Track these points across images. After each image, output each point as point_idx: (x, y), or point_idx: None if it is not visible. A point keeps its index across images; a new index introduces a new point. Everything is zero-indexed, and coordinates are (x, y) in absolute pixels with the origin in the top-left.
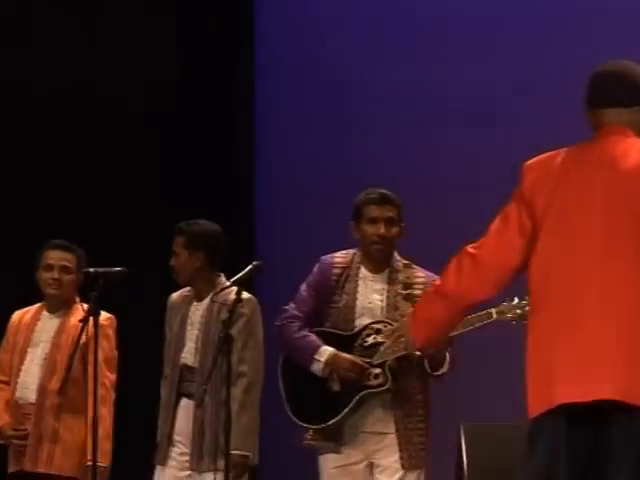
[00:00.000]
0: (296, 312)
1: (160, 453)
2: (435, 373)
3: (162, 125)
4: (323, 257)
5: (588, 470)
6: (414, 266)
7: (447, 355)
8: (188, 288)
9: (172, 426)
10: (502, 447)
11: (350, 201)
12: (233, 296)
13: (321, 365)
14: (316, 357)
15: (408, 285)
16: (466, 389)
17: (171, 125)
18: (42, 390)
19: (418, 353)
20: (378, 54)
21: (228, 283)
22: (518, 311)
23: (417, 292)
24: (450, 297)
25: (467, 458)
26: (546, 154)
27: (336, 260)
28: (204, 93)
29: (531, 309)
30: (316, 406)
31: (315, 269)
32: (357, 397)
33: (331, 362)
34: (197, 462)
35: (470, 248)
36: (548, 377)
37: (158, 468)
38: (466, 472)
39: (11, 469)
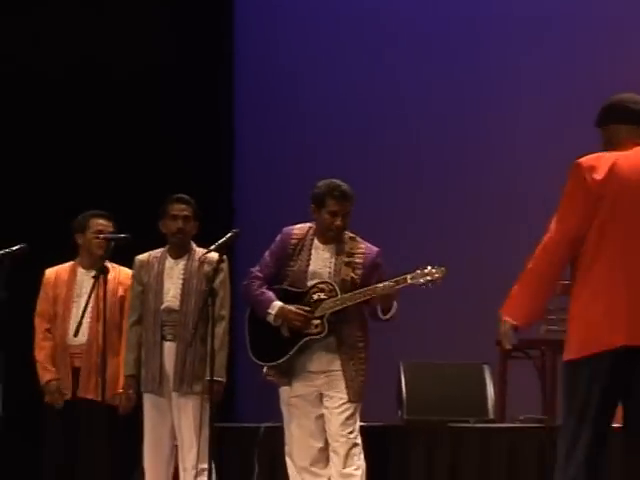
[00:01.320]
0: (259, 273)
1: (150, 383)
2: (385, 317)
3: (149, 100)
4: (285, 228)
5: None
6: (358, 239)
7: (394, 302)
8: (158, 250)
9: (161, 360)
10: (436, 382)
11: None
12: (214, 256)
13: (272, 317)
14: (269, 310)
15: (350, 254)
16: (405, 333)
17: (157, 102)
18: (93, 331)
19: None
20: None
21: (204, 249)
22: (428, 277)
23: (357, 260)
24: (545, 276)
25: (406, 392)
26: (598, 156)
27: (294, 232)
28: (188, 68)
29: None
30: (270, 348)
31: (277, 238)
32: (300, 342)
33: (280, 314)
34: (179, 385)
35: (548, 238)
36: (609, 323)
37: (147, 396)
38: (405, 403)
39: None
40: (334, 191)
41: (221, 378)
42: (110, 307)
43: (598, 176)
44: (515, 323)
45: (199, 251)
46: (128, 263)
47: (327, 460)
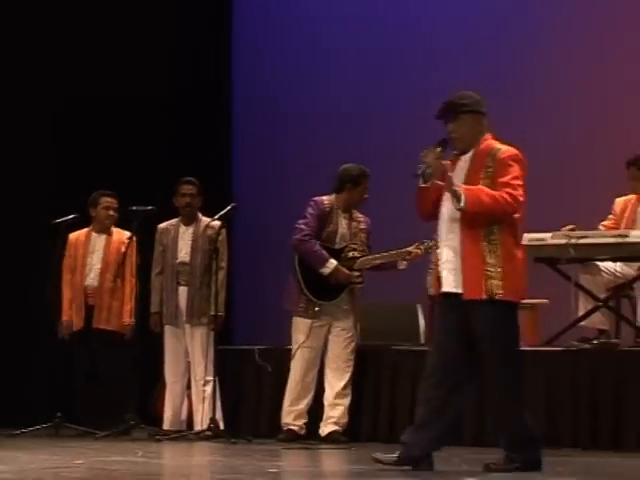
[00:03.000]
0: (309, 231)
1: (169, 317)
2: (400, 268)
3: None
4: (314, 198)
5: None
6: (359, 212)
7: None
8: (173, 220)
9: (176, 300)
10: (384, 316)
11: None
12: (216, 223)
13: (328, 271)
14: (327, 265)
15: (358, 221)
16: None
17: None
18: (102, 278)
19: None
20: None
21: (209, 218)
22: (419, 251)
23: (362, 226)
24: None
25: (361, 324)
26: None
27: (324, 201)
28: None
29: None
30: (320, 290)
31: (312, 204)
32: (347, 288)
33: (334, 271)
34: (190, 318)
35: (520, 195)
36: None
37: (167, 327)
38: (359, 331)
39: (75, 328)
40: (366, 173)
41: (221, 313)
42: (114, 259)
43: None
44: (459, 190)
45: (204, 220)
46: (151, 229)
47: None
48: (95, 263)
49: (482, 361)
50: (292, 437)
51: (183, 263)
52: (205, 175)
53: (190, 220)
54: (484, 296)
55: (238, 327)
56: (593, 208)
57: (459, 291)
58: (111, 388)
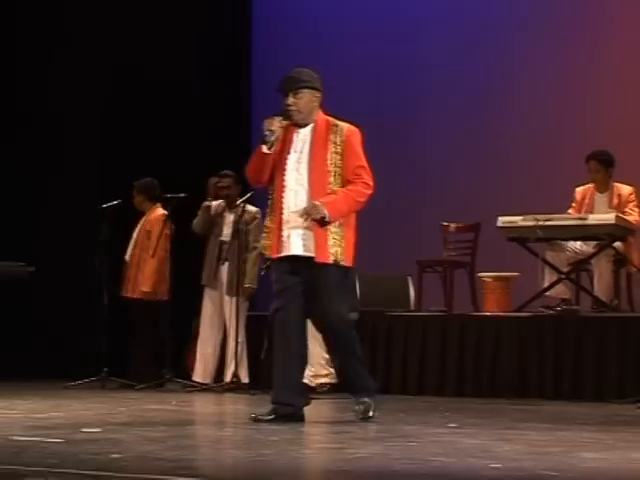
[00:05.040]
0: None
1: (210, 282)
2: None
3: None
4: None
5: None
6: None
7: None
8: (220, 201)
9: (219, 272)
10: (378, 286)
11: None
12: (252, 208)
13: None
14: None
15: None
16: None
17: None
18: (132, 252)
19: None
20: None
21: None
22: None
23: None
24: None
25: (359, 293)
26: None
27: None
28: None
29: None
30: None
31: None
32: None
33: None
34: (229, 289)
35: (370, 190)
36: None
37: (207, 290)
38: (358, 299)
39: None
40: None
41: (254, 286)
42: (142, 236)
43: None
44: (322, 208)
45: (242, 205)
46: (184, 214)
47: None
48: (134, 237)
49: (324, 319)
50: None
51: (224, 242)
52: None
53: (231, 205)
54: (330, 260)
55: (262, 296)
56: (557, 195)
57: (308, 255)
58: (149, 347)
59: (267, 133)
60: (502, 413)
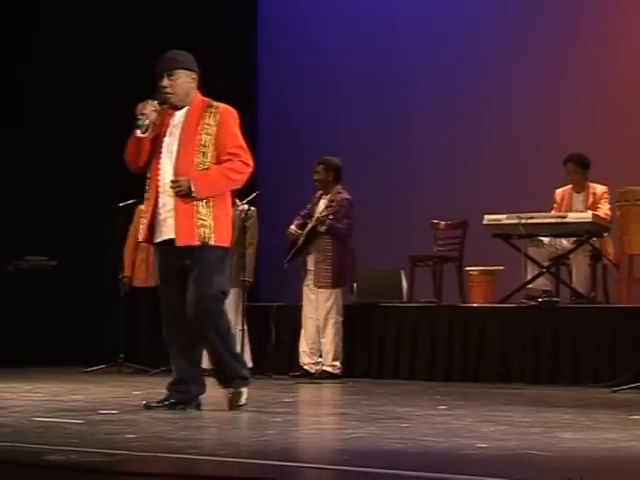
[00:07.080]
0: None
1: None
2: None
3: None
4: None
5: None
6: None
7: None
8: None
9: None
10: (374, 279)
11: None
12: (245, 207)
13: None
14: None
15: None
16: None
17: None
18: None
19: None
20: None
21: (240, 203)
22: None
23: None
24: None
25: (356, 284)
26: None
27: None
28: None
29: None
30: None
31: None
32: None
33: None
34: (234, 281)
35: (249, 168)
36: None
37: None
38: (356, 291)
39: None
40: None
41: (250, 279)
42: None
43: None
44: (188, 182)
45: (238, 203)
46: None
47: None
48: None
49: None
50: (305, 374)
51: None
52: None
53: (233, 204)
54: (196, 242)
55: (263, 287)
56: (538, 195)
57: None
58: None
59: (140, 117)
60: (487, 396)
